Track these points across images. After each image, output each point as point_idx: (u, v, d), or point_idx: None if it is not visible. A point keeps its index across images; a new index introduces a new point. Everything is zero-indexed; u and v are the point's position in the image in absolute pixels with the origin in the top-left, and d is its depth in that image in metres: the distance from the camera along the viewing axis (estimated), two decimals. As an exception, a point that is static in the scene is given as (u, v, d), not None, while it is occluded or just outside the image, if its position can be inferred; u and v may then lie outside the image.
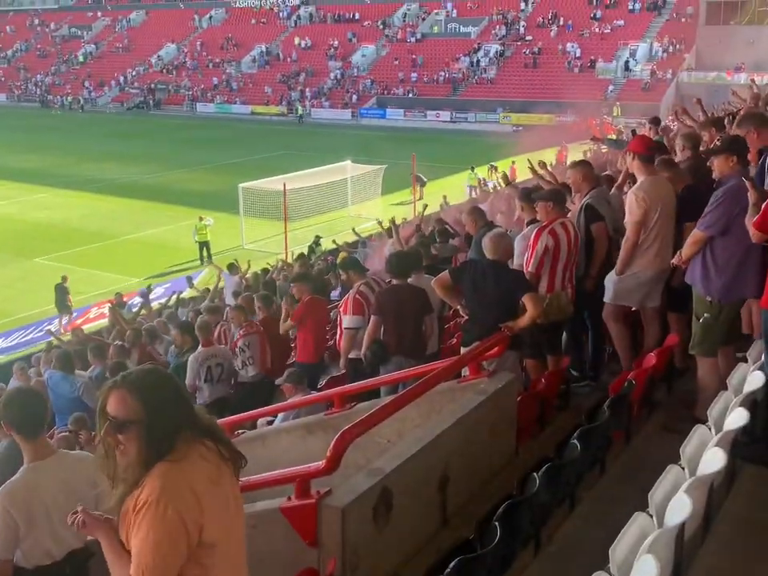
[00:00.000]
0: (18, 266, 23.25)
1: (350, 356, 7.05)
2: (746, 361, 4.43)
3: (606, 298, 5.80)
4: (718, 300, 4.73)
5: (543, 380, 5.33)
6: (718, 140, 5.12)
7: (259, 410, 6.17)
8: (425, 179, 29.94)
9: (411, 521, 3.99)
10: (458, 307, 5.87)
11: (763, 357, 4.17)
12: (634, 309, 6.00)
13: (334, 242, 19.91)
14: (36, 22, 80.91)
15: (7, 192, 32.93)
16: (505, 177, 10.55)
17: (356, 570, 3.50)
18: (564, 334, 6.25)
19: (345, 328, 7.06)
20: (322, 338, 8.55)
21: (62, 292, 19.33)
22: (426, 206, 18.66)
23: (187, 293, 19.37)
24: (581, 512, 4.09)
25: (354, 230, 20.29)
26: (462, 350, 5.65)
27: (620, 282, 5.69)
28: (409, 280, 6.55)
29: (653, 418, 5.12)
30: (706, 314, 4.78)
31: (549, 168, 9.04)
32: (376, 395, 5.94)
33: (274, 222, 25.30)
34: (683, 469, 3.41)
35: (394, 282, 6.63)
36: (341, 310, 7.36)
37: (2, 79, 72.59)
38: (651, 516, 3.07)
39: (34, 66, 73.29)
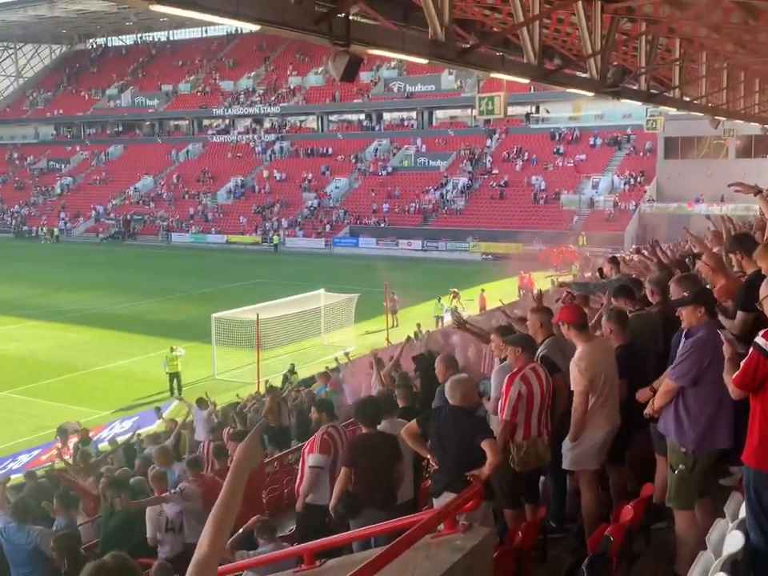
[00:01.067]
0: (-17, 400, 22.76)
1: (307, 500, 6.99)
2: (723, 516, 4.37)
3: (565, 466, 5.87)
4: (692, 450, 4.72)
5: (520, 533, 5.20)
6: (685, 292, 5.23)
7: (227, 566, 5.92)
8: (397, 306, 30.30)
9: None
10: (428, 456, 5.80)
11: (745, 515, 4.12)
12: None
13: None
14: (15, 155, 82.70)
15: (-25, 323, 32.67)
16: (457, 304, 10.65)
17: None
18: (544, 480, 6.19)
19: (309, 467, 7.02)
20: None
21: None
22: (410, 337, 18.09)
23: (155, 426, 18.99)
24: None
25: (336, 359, 20.30)
26: (434, 501, 5.55)
27: (576, 447, 5.78)
28: (381, 426, 6.49)
29: (632, 573, 4.98)
30: (681, 466, 4.76)
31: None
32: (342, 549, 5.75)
33: (247, 351, 25.22)
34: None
35: (365, 430, 6.55)
36: (305, 450, 7.28)
37: (-23, 210, 73.38)
38: None
39: (11, 197, 74.36)
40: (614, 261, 9.79)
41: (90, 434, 17.04)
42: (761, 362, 3.65)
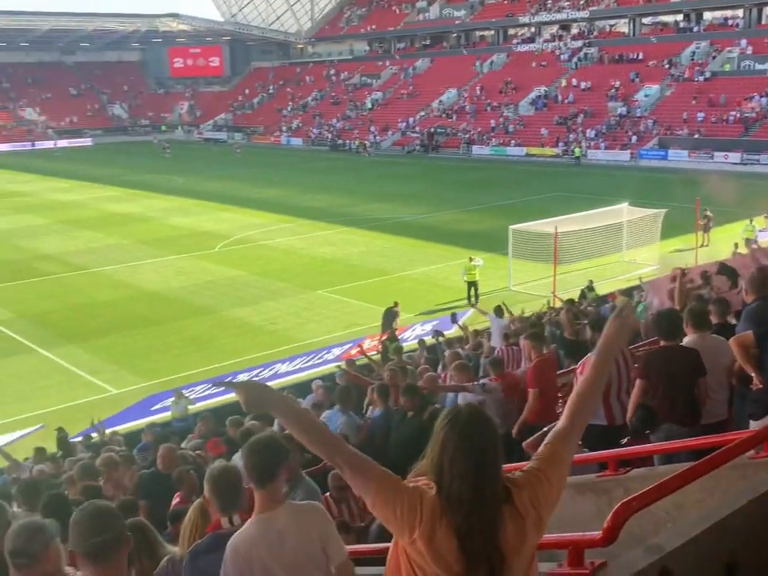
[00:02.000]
0: (303, 297, 25.18)
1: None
2: None
3: None
4: None
5: None
6: None
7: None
8: (711, 224, 28.20)
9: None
10: (752, 373, 5.35)
11: None
12: None
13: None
14: (332, 72, 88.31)
15: (297, 228, 36.01)
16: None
17: None
18: None
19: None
20: (550, 399, 8.22)
21: (390, 315, 20.55)
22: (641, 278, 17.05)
23: (452, 331, 19.77)
24: None
25: (640, 279, 19.54)
26: (751, 423, 5.15)
27: None
28: (689, 340, 6.11)
29: None
30: None
31: None
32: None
33: (543, 265, 25.11)
34: None
35: (663, 343, 6.21)
36: (577, 371, 7.15)
37: (301, 125, 79.85)
38: None
39: (328, 112, 79.83)
40: None
41: (397, 334, 18.18)
42: None
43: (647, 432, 6.09)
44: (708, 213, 28.19)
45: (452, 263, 27.39)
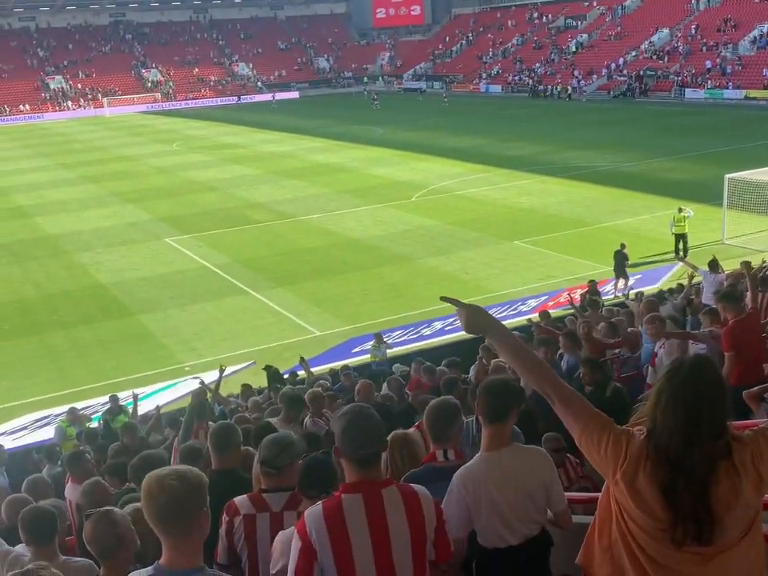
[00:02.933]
0: (498, 248, 24.98)
1: None
2: None
3: None
4: None
5: None
6: None
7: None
8: None
9: None
10: None
11: None
12: None
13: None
14: (534, 15, 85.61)
15: (494, 178, 35.62)
16: None
17: None
18: None
19: None
20: (751, 360, 7.62)
21: (621, 258, 20.25)
22: None
23: (659, 284, 18.84)
24: None
25: None
26: None
27: None
28: None
29: None
30: None
31: None
32: None
33: (762, 217, 23.23)
34: None
35: None
36: None
37: (500, 72, 78.40)
38: None
39: (529, 57, 77.70)
40: None
41: (599, 287, 17.59)
42: None
43: None
44: None
45: (658, 214, 26.04)
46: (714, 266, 14.70)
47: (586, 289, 16.98)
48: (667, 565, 2.42)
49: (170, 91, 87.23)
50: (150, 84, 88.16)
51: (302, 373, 14.73)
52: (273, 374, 14.54)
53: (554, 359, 8.90)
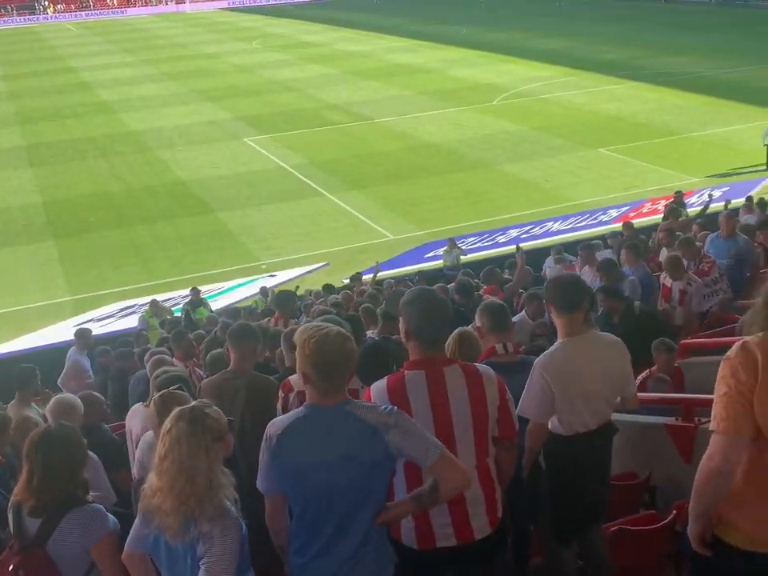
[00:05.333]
0: (582, 155, 24.22)
1: None
2: None
3: None
4: None
5: None
6: None
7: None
8: None
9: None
10: None
11: None
12: None
13: None
14: None
15: (582, 82, 34.23)
16: None
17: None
18: None
19: None
20: None
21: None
22: None
23: (758, 190, 18.03)
24: None
25: None
26: None
27: None
28: None
29: None
30: None
31: None
32: None
33: None
34: None
35: None
36: None
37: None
38: None
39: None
40: None
41: (685, 198, 16.96)
42: None
43: None
44: None
45: (753, 125, 24.72)
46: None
47: (671, 199, 16.38)
48: None
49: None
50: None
51: (366, 278, 14.77)
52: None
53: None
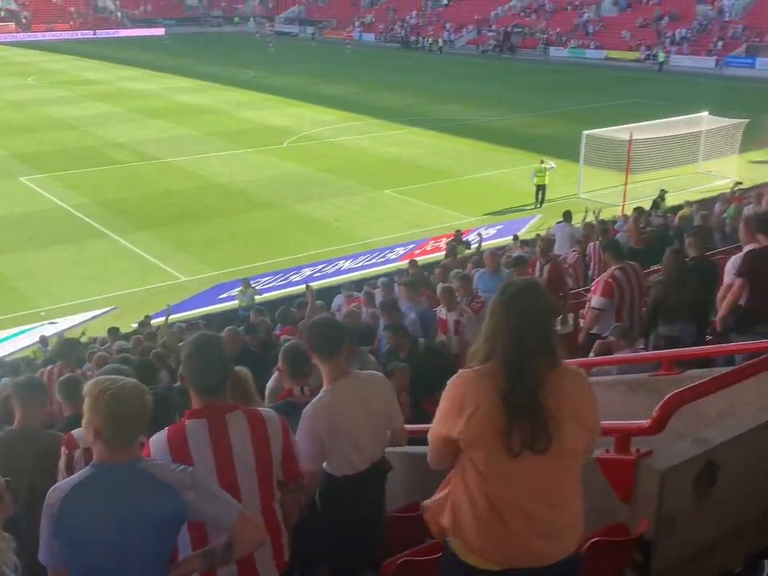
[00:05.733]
0: (369, 196, 25.18)
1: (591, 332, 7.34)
2: None
3: None
4: None
5: None
6: None
7: (586, 359, 6.14)
8: None
9: (735, 501, 3.74)
10: None
11: None
12: None
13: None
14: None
15: (366, 127, 35.67)
16: None
17: (670, 537, 3.39)
18: None
19: (591, 307, 7.38)
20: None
21: None
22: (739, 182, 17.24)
23: (524, 231, 19.61)
24: None
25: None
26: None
27: None
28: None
29: None
30: None
31: None
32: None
33: (615, 173, 24.49)
34: None
35: (765, 243, 6.01)
36: (592, 289, 7.59)
37: (374, 20, 77.86)
38: None
39: (402, 7, 77.47)
40: None
41: (463, 236, 18.15)
42: None
43: (733, 332, 6.00)
44: None
45: (521, 168, 26.94)
46: (567, 216, 15.50)
47: (452, 237, 17.48)
48: (503, 475, 2.62)
49: (25, 21, 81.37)
50: (3, 13, 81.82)
51: (156, 321, 14.41)
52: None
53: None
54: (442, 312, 8.35)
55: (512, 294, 2.66)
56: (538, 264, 9.82)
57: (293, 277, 18.33)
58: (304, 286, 14.14)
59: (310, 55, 64.03)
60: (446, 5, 74.34)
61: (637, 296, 7.36)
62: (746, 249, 6.19)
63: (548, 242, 10.82)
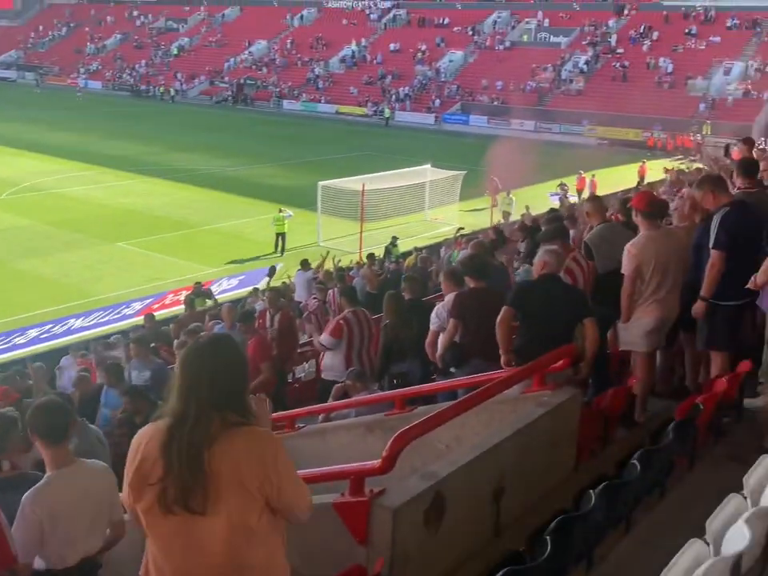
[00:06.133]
0: (101, 249, 24.00)
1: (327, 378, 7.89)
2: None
3: (621, 347, 6.03)
4: None
5: (608, 397, 5.25)
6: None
7: (321, 405, 6.24)
8: (499, 187, 29.07)
9: (463, 528, 3.98)
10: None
11: None
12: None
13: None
14: (135, 13, 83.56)
15: (97, 177, 34.12)
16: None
17: (404, 572, 3.51)
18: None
19: (319, 342, 7.97)
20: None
21: None
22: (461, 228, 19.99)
23: (262, 284, 19.71)
24: (636, 534, 4.01)
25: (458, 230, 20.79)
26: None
27: (626, 329, 5.88)
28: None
29: (719, 446, 4.98)
30: (776, 341, 4.67)
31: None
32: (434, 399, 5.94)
33: (351, 222, 25.53)
34: (745, 498, 3.32)
35: (472, 285, 6.53)
36: (325, 328, 8.27)
37: (100, 68, 75.17)
38: (708, 544, 3.00)
39: (130, 55, 75.66)
40: (748, 141, 9.35)
41: (203, 288, 17.83)
42: None
43: (452, 369, 6.38)
44: (494, 178, 28.33)
45: (260, 218, 27.15)
46: (305, 264, 15.93)
47: (191, 290, 17.13)
48: (160, 530, 2.58)
49: None
50: None
51: None
52: None
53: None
54: None
55: (192, 350, 2.65)
56: (268, 315, 10.01)
57: (17, 339, 16.88)
58: (34, 347, 13.17)
59: (34, 102, 60.22)
60: (176, 55, 73.73)
61: (366, 339, 7.72)
62: (451, 294, 6.71)
63: (277, 291, 11.06)
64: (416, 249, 20.53)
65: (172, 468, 2.50)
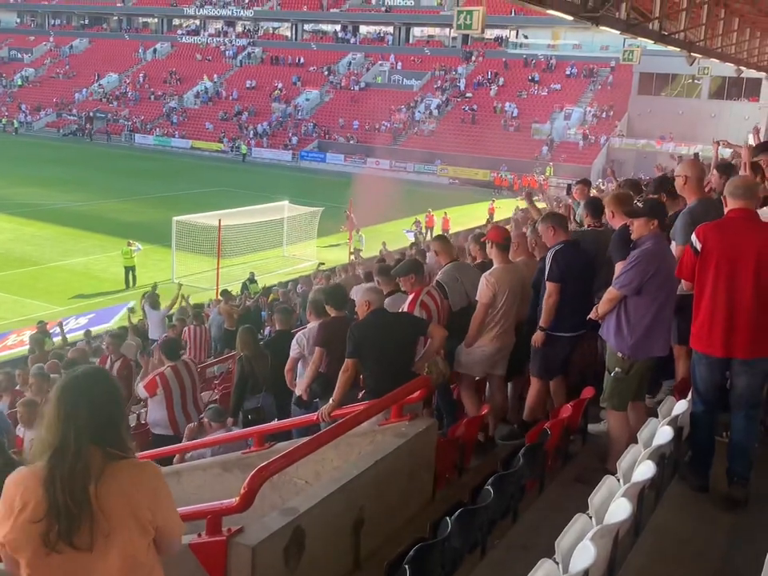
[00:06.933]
0: (-64, 288, 22.43)
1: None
2: (656, 416, 4.59)
3: (455, 368, 6.27)
4: (628, 356, 4.93)
5: (463, 426, 5.40)
6: (639, 202, 5.45)
7: (179, 445, 6.07)
8: (354, 223, 29.30)
9: (324, 562, 3.96)
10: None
11: (690, 395, 4.46)
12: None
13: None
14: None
15: (-71, 211, 31.91)
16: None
17: (264, 611, 3.45)
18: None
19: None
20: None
21: None
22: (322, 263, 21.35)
23: (113, 323, 19.00)
24: (491, 558, 4.12)
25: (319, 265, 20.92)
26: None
27: (467, 354, 6.22)
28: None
29: (567, 469, 5.23)
30: (617, 369, 4.98)
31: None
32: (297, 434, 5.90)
33: (207, 258, 25.10)
34: (591, 518, 3.49)
35: (334, 314, 6.59)
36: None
37: (-67, 96, 70.69)
38: (557, 563, 3.13)
39: (-31, 85, 71.66)
40: (585, 182, 10.03)
41: (48, 327, 16.95)
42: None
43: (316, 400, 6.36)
44: (351, 214, 28.48)
45: (111, 254, 26.22)
46: (155, 303, 15.61)
47: (35, 330, 16.24)
48: (43, 569, 2.44)
49: None
50: None
51: None
52: None
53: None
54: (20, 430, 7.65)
55: (67, 383, 2.54)
56: (108, 361, 9.80)
57: None
58: None
59: None
60: (20, 85, 70.48)
61: (190, 391, 7.58)
62: (315, 322, 6.79)
63: (118, 336, 10.79)
64: (281, 284, 20.46)
65: (56, 503, 2.38)
